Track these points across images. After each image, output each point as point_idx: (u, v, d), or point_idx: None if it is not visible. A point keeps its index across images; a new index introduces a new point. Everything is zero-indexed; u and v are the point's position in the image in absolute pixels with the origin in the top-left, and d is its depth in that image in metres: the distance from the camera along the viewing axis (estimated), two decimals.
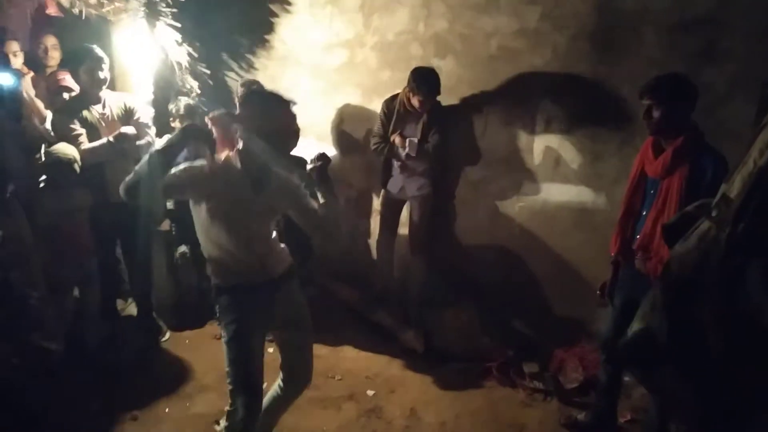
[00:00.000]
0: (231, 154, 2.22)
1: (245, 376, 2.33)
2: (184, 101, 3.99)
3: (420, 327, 3.87)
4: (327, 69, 4.37)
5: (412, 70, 3.68)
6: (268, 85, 3.94)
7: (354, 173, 4.42)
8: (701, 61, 3.11)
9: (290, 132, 2.24)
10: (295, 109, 2.22)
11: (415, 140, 3.78)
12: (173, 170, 2.13)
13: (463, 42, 3.86)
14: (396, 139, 3.84)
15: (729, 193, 1.51)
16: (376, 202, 4.32)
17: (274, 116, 2.16)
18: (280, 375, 2.58)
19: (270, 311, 2.36)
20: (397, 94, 3.85)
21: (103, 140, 3.52)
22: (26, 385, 2.93)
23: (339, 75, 4.35)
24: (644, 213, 2.60)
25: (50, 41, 4.27)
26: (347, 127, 4.41)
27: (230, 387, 2.35)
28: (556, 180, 3.70)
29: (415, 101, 3.69)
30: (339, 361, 3.72)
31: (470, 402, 3.31)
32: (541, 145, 3.72)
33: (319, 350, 3.79)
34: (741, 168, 1.51)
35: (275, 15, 4.40)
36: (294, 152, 3.73)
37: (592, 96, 3.50)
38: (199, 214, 2.21)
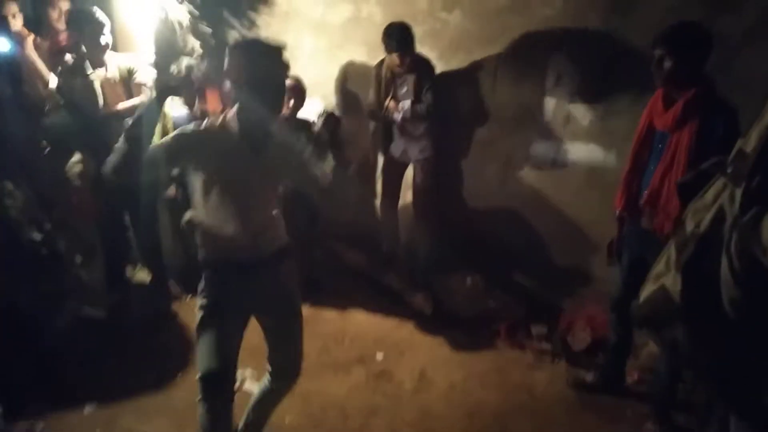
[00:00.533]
0: (228, 115, 2.02)
1: (213, 364, 2.05)
2: (185, 61, 3.91)
3: (428, 290, 3.85)
4: (331, 26, 4.25)
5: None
6: None
7: (360, 134, 4.34)
8: (719, 9, 2.96)
9: (283, 83, 2.01)
10: (286, 55, 1.98)
11: (408, 102, 3.73)
12: (163, 138, 1.96)
13: None
14: (390, 104, 3.79)
15: (745, 147, 1.45)
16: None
17: (262, 65, 1.92)
18: (267, 367, 2.32)
19: (253, 293, 2.09)
20: (384, 59, 3.79)
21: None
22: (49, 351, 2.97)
23: (343, 32, 4.23)
24: (651, 168, 2.53)
25: (65, 5, 4.15)
26: (352, 85, 4.32)
27: (198, 374, 2.09)
28: (566, 138, 3.59)
29: (394, 59, 3.65)
30: (348, 325, 3.72)
31: (479, 364, 3.31)
32: (552, 102, 3.60)
33: (328, 314, 3.82)
34: (757, 123, 1.44)
35: None
36: (300, 114, 3.74)
37: (604, 49, 3.36)
38: (196, 179, 1.99)
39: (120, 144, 1.93)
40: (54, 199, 3.34)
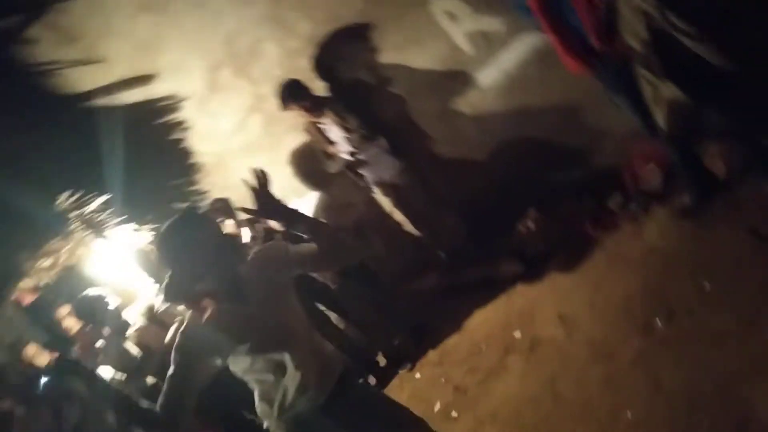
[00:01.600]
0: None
1: None
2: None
3: (504, 254, 3.84)
4: (256, 142, 4.34)
5: None
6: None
7: (346, 192, 4.41)
8: None
9: (202, 244, 1.85)
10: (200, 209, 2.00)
11: (340, 138, 3.89)
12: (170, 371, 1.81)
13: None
14: (329, 149, 3.97)
15: None
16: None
17: (170, 247, 1.85)
18: None
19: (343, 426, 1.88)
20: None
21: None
22: None
23: (270, 137, 4.32)
24: (571, 15, 2.53)
25: (62, 313, 4.27)
26: (308, 164, 4.38)
27: None
28: (496, 49, 3.65)
29: (307, 115, 3.87)
30: (471, 335, 3.71)
31: (599, 269, 3.26)
32: (461, 36, 3.67)
33: (450, 341, 3.84)
34: None
35: (180, 139, 4.43)
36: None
37: None
38: (231, 363, 1.88)
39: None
40: None
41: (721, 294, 2.50)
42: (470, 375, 3.39)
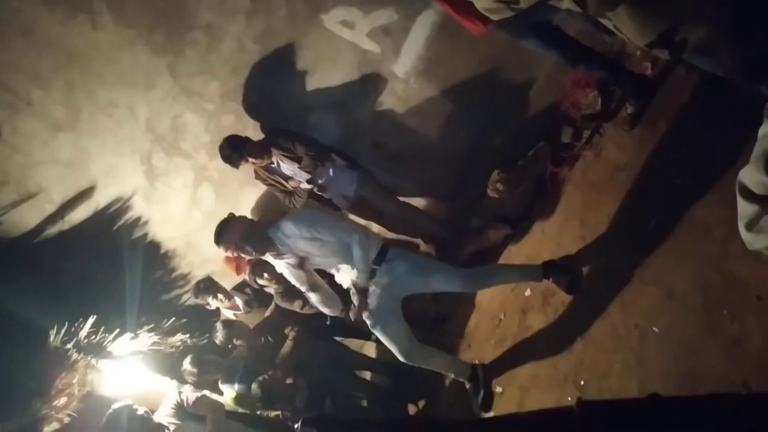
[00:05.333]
0: None
1: None
2: (187, 367, 4.05)
3: (488, 224, 3.88)
4: (214, 210, 4.32)
5: None
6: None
7: None
8: None
9: None
10: None
11: (296, 170, 3.86)
12: None
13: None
14: (290, 185, 3.93)
15: None
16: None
17: None
18: None
19: None
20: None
21: None
22: None
23: (226, 200, 4.31)
24: None
25: None
26: (273, 210, 4.36)
27: None
28: (400, 38, 3.65)
29: (257, 162, 3.85)
30: (487, 310, 3.75)
31: (574, 205, 3.30)
32: (363, 38, 3.66)
33: (472, 321, 3.87)
34: None
35: (144, 234, 4.41)
36: None
37: None
38: None
39: None
40: None
41: (694, 183, 2.53)
42: (499, 346, 3.41)
